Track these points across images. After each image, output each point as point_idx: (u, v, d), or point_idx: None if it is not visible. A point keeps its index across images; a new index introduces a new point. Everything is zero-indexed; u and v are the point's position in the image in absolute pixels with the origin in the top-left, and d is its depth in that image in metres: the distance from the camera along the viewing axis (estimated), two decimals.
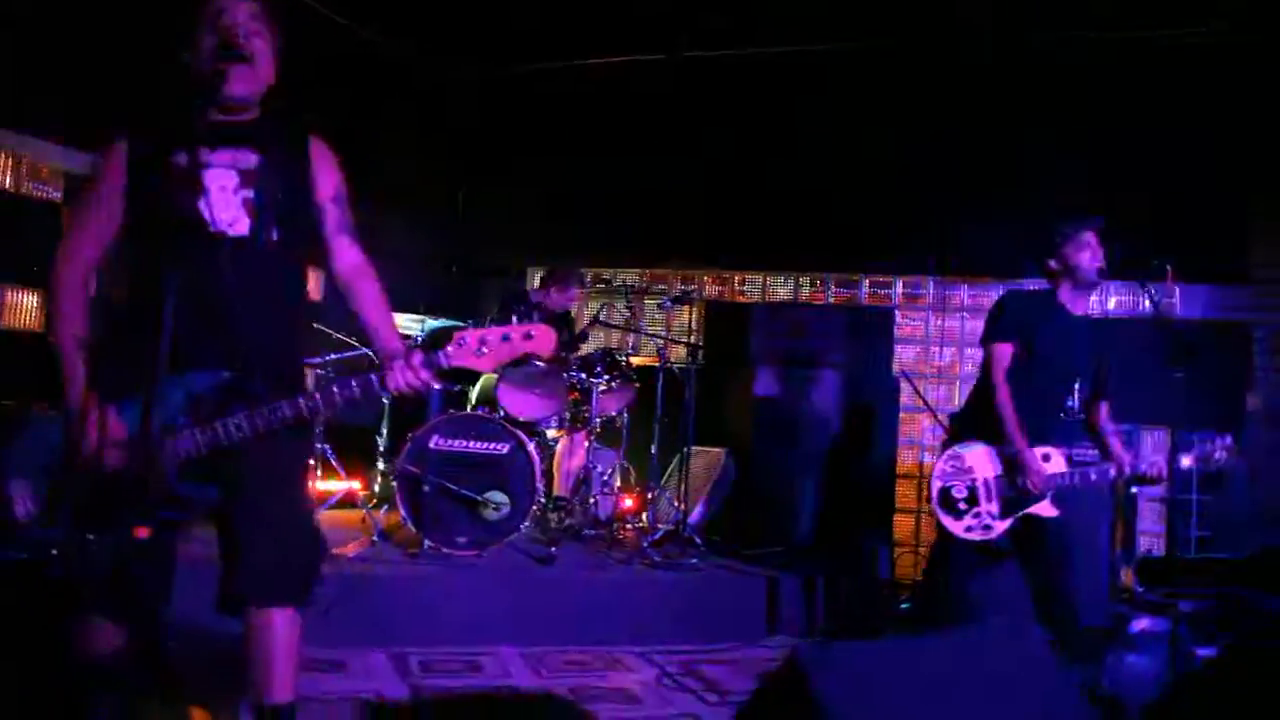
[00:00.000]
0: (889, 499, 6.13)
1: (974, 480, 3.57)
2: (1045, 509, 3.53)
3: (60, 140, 5.03)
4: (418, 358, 2.25)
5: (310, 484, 5.04)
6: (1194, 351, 3.33)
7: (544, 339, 2.31)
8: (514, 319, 5.37)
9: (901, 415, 6.28)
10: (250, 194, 2.26)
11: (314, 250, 2.43)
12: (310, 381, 4.44)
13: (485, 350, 2.27)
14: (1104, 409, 3.71)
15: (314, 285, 6.20)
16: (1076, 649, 3.48)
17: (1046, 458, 3.55)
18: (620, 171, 6.91)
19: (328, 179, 2.41)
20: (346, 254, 2.42)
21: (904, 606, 5.53)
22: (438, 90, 7.14)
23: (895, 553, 6.16)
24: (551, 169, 7.12)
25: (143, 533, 1.70)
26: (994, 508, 3.55)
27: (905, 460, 6.48)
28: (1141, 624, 5.08)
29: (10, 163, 5.00)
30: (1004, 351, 3.58)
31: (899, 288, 6.67)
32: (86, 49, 4.85)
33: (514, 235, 6.69)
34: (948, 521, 3.57)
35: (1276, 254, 5.75)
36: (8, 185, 4.98)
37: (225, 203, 2.24)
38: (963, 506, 3.56)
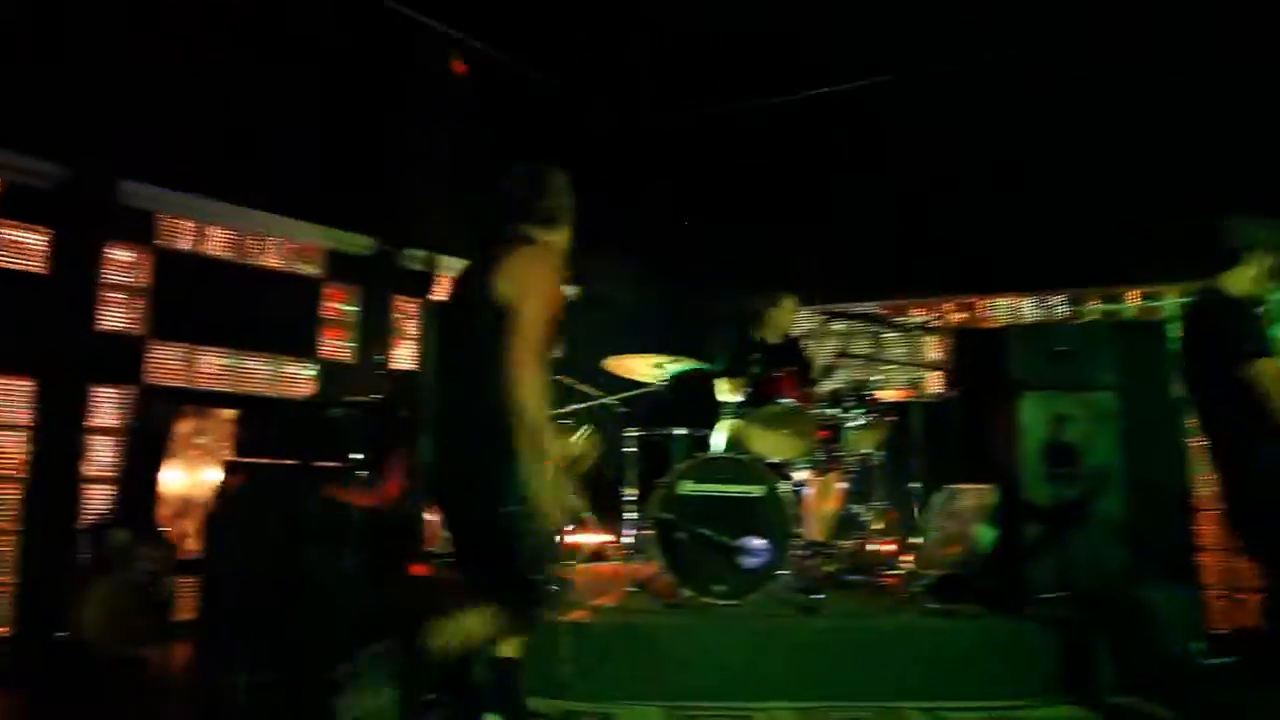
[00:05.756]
0: (1189, 537, 5.41)
1: None
2: None
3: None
4: None
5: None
6: None
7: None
8: (743, 362, 5.18)
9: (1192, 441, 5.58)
10: None
11: None
12: None
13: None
14: None
15: None
16: None
17: None
18: (850, 202, 6.66)
19: None
20: None
21: (1225, 661, 4.82)
22: (665, 136, 7.18)
23: (1203, 598, 5.42)
24: (780, 205, 6.97)
25: None
26: None
27: (1205, 493, 5.74)
28: None
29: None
30: None
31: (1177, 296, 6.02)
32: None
33: (747, 275, 6.57)
34: None
35: None
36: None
37: None
38: None
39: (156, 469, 4.66)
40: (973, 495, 5.23)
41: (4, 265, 4.42)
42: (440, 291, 6.04)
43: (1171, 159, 5.78)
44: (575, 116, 6.66)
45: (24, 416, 4.42)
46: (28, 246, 4.50)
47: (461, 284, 2.96)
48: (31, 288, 4.47)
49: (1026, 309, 6.45)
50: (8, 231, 4.44)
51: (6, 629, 4.28)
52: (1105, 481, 5.02)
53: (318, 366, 5.58)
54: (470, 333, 2.75)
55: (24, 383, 4.42)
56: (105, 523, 4.28)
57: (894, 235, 6.48)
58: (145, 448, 4.62)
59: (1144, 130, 5.88)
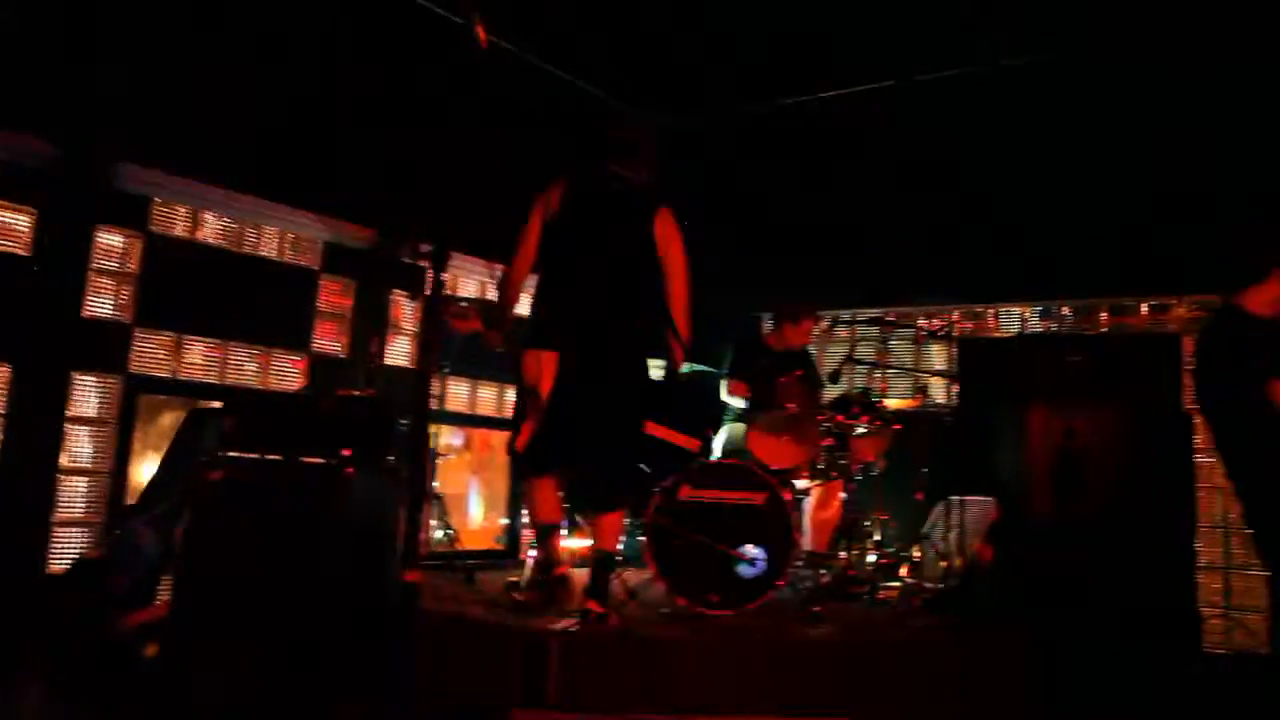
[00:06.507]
0: (1188, 555, 5.29)
1: None
2: None
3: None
4: None
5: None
6: None
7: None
8: (750, 365, 5.08)
9: (1198, 459, 5.46)
10: None
11: None
12: None
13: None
14: None
15: None
16: None
17: None
18: (851, 207, 6.53)
19: None
20: None
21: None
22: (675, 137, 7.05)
23: (1204, 618, 5.30)
24: (778, 209, 6.85)
25: None
26: None
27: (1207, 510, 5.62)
28: None
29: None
30: None
31: (1184, 310, 5.91)
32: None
33: (743, 279, 6.44)
34: None
35: None
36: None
37: None
38: None
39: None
40: (976, 508, 5.13)
41: None
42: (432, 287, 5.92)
43: (1183, 165, 5.66)
44: (582, 113, 6.53)
45: None
46: (11, 227, 4.36)
47: (593, 208, 3.69)
48: (13, 270, 4.32)
49: (1033, 318, 6.33)
50: None
51: None
52: (1109, 496, 4.91)
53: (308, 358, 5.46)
54: (617, 257, 3.63)
55: None
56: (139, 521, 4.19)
57: (902, 241, 6.36)
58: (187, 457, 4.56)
59: (1154, 135, 5.77)
